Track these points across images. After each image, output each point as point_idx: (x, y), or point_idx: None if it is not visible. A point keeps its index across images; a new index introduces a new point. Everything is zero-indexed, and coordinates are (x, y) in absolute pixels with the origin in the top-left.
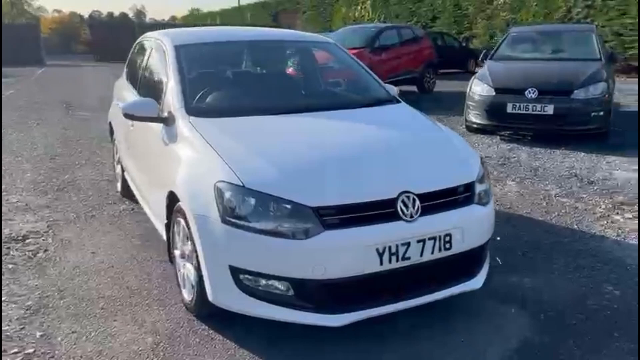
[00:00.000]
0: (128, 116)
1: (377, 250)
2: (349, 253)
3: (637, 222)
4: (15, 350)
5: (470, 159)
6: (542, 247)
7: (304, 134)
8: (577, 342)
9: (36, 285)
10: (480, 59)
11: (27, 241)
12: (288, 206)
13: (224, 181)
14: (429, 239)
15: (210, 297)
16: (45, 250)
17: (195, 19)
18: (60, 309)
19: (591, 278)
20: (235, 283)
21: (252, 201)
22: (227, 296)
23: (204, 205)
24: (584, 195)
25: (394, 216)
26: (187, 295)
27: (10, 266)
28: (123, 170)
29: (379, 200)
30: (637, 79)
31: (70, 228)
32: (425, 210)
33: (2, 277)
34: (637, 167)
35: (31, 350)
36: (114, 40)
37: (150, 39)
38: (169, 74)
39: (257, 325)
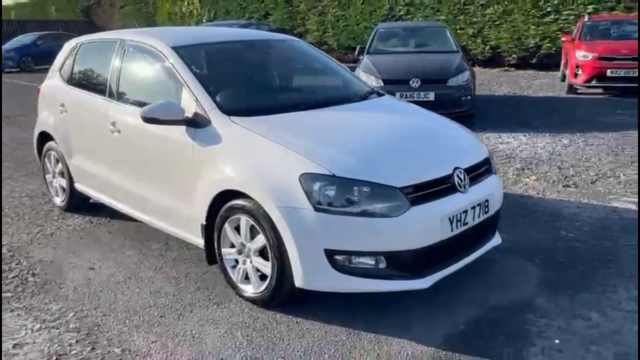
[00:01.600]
0: (150, 120)
1: (449, 218)
2: (432, 224)
3: (543, 182)
4: None
5: (476, 137)
6: None
7: (347, 125)
8: (575, 273)
9: (61, 308)
10: (356, 54)
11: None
12: (376, 189)
13: (309, 173)
14: (477, 205)
15: (299, 282)
16: (34, 274)
17: None
18: (116, 324)
19: (546, 227)
20: (330, 264)
21: (344, 188)
22: (322, 277)
23: (290, 197)
24: None
25: (453, 189)
26: (254, 288)
27: (9, 294)
28: (72, 182)
29: (441, 177)
30: None
31: (38, 249)
32: (471, 182)
33: (13, 305)
34: (511, 140)
35: None
36: None
37: (113, 41)
38: (182, 77)
39: (334, 302)
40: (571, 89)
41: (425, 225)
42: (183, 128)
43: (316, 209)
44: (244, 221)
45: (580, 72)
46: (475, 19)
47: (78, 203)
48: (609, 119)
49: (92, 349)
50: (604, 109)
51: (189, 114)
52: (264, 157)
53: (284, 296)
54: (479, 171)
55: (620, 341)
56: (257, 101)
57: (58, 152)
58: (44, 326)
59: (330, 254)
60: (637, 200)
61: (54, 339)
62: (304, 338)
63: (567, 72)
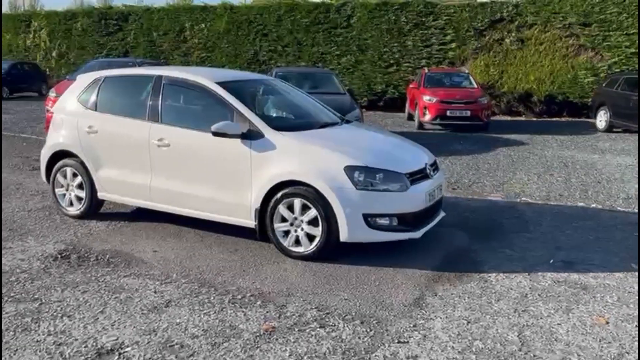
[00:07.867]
0: (218, 134)
1: (427, 194)
2: (421, 197)
3: None
4: None
5: (423, 147)
6: None
7: (352, 138)
8: (485, 232)
9: (162, 272)
10: None
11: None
12: (392, 174)
13: (350, 165)
14: (437, 187)
15: (344, 237)
16: (112, 258)
17: None
18: (215, 277)
19: (454, 211)
20: (366, 223)
21: (373, 174)
22: (359, 233)
23: (338, 181)
24: None
25: (427, 177)
26: (304, 247)
27: (107, 269)
28: (94, 193)
29: (420, 169)
30: None
31: (91, 243)
32: (433, 173)
33: (122, 274)
34: None
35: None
36: None
37: (149, 77)
38: (232, 104)
39: (353, 255)
40: (421, 125)
41: (418, 198)
42: (239, 140)
43: (357, 188)
44: (298, 202)
45: (427, 112)
46: (332, 67)
47: (95, 210)
48: (457, 147)
49: (215, 289)
50: (450, 140)
51: (243, 130)
52: (313, 157)
53: (327, 251)
54: (434, 167)
55: (529, 261)
56: (289, 122)
57: (77, 167)
58: (164, 282)
59: (365, 216)
60: (501, 195)
61: (181, 287)
62: (350, 273)
63: (417, 112)
